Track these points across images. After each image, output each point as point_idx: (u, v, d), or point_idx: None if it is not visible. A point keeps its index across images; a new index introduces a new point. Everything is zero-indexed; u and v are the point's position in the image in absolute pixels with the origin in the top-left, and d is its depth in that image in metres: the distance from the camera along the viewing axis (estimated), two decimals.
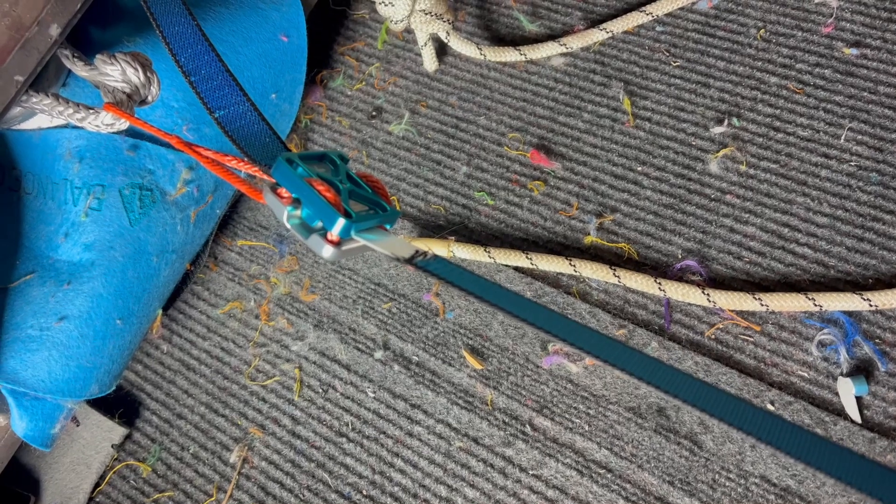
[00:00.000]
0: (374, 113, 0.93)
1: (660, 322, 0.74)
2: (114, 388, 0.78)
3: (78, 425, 0.83)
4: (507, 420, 0.74)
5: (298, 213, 0.53)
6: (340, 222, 0.51)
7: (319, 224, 0.53)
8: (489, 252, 0.79)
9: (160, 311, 0.83)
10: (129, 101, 0.63)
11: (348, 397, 0.79)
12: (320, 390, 0.80)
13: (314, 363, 0.82)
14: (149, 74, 0.64)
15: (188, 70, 0.60)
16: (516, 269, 0.79)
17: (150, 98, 0.66)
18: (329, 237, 0.52)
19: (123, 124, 0.64)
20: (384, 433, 0.77)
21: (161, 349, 0.88)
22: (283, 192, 0.53)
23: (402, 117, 0.91)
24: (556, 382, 0.74)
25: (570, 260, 0.77)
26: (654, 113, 0.83)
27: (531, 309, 0.48)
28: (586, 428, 0.72)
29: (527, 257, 0.78)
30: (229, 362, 0.85)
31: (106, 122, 0.62)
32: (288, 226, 0.54)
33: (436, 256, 0.50)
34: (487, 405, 0.75)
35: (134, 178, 0.74)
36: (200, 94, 0.58)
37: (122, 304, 0.73)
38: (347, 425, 0.78)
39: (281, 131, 0.88)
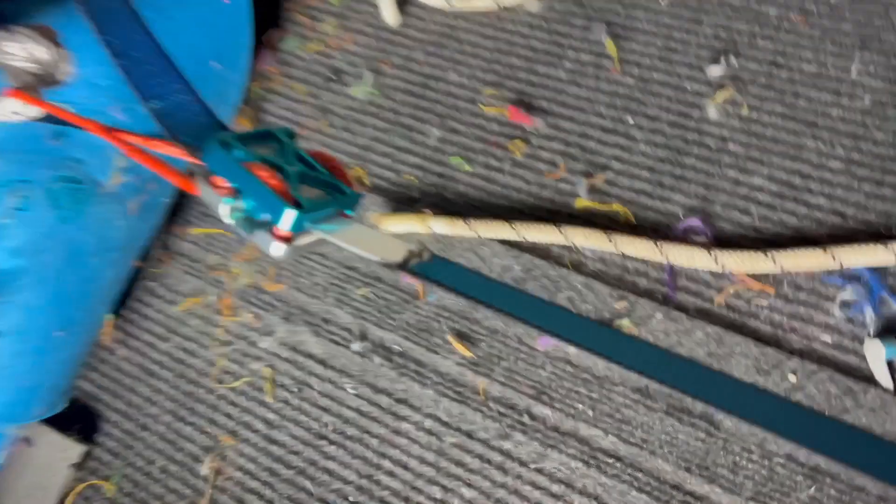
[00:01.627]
0: (332, 76, 0.84)
1: (663, 290, 0.67)
2: (65, 404, 0.70)
3: (30, 445, 0.76)
4: (502, 410, 0.67)
5: (240, 204, 0.45)
6: (289, 214, 0.43)
7: (267, 217, 0.45)
8: (470, 224, 0.71)
9: (110, 315, 0.75)
10: (37, 84, 0.54)
11: (326, 395, 0.72)
12: (295, 389, 0.73)
13: (286, 360, 0.74)
14: (58, 50, 0.55)
15: (117, 51, 0.51)
16: (502, 242, 0.71)
17: (63, 78, 0.57)
18: (277, 232, 0.44)
19: (36, 111, 0.55)
20: (368, 432, 0.70)
21: (117, 354, 0.80)
22: (220, 181, 0.45)
23: (364, 79, 0.82)
24: (554, 365, 0.67)
25: (561, 227, 0.69)
26: (643, 56, 0.74)
27: (561, 317, 0.41)
28: (590, 413, 0.65)
29: (512, 228, 0.70)
30: (193, 364, 0.77)
31: (12, 109, 0.53)
32: (228, 221, 0.45)
33: (433, 256, 0.42)
34: (480, 395, 0.68)
35: (61, 170, 0.64)
36: (133, 81, 0.49)
37: (60, 313, 0.65)
38: (327, 426, 0.71)
39: (229, 103, 0.79)
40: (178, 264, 0.81)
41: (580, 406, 0.65)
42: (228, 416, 0.74)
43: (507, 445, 0.66)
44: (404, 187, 0.76)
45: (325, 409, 0.71)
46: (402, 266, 0.42)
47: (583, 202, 0.71)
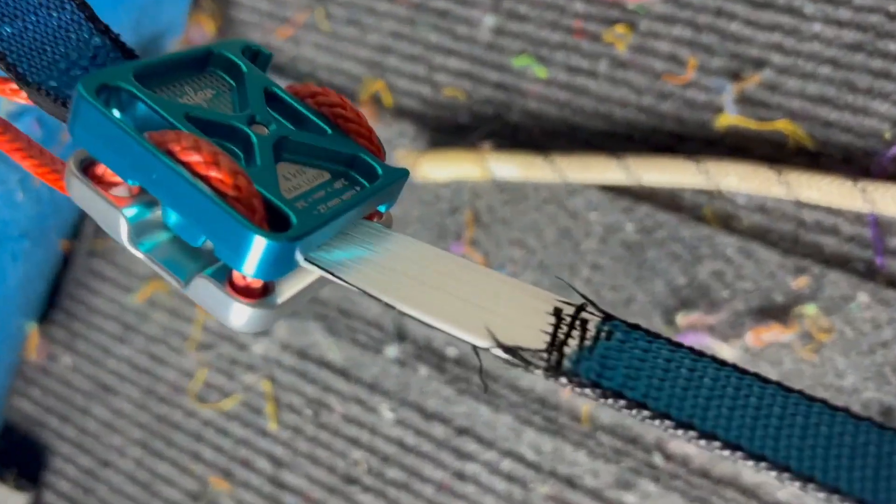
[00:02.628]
0: None
1: (865, 256, 0.43)
2: None
3: None
4: (619, 446, 0.45)
5: (156, 218, 0.21)
6: (258, 245, 0.19)
7: (208, 245, 0.21)
8: (553, 163, 0.47)
9: (33, 325, 0.52)
10: None
11: (353, 421, 0.50)
12: (308, 412, 0.51)
13: (292, 370, 0.52)
14: None
15: None
16: (602, 188, 0.47)
17: None
18: (238, 282, 0.21)
19: None
20: (418, 475, 0.48)
21: (61, 363, 0.58)
22: (109, 173, 0.21)
23: None
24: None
25: (697, 159, 0.44)
26: None
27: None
28: None
29: (620, 165, 0.46)
30: (164, 376, 0.55)
31: None
32: (135, 253, 0.21)
33: (608, 321, 0.19)
34: (583, 423, 0.46)
35: None
36: None
37: None
38: (358, 465, 0.50)
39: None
40: None
41: None
42: (218, 449, 0.53)
43: (629, 499, 0.44)
44: (446, 108, 0.51)
45: (353, 441, 0.50)
46: (551, 364, 0.17)
47: (728, 119, 0.46)
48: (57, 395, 0.57)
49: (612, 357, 0.18)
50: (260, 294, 0.20)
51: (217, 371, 0.53)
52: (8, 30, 0.24)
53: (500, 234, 0.48)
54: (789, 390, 0.18)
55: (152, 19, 0.50)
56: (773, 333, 0.43)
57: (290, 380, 0.51)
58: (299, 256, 0.20)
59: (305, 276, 0.21)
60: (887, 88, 0.44)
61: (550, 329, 0.18)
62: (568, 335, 0.18)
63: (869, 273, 0.42)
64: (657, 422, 0.17)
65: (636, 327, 0.18)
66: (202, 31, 0.57)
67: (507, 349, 0.18)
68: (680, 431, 0.17)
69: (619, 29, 0.48)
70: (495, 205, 0.49)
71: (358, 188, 0.22)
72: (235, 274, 0.20)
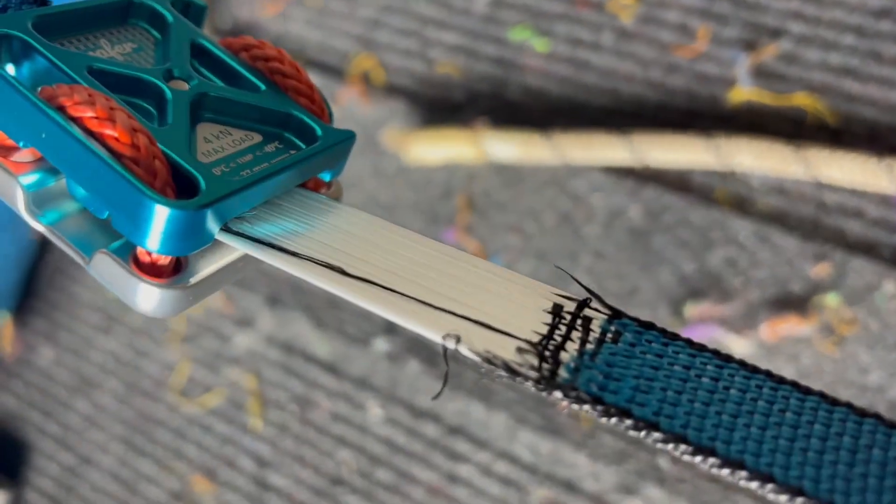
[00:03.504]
0: None
1: (892, 241, 0.39)
2: None
3: None
4: (621, 447, 0.41)
5: (56, 188, 0.19)
6: (160, 215, 0.16)
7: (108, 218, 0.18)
8: (553, 141, 0.43)
9: (6, 316, 0.50)
10: None
11: (341, 419, 0.47)
12: (294, 409, 0.48)
13: (277, 365, 0.49)
14: None
15: None
16: (605, 169, 0.44)
17: None
18: (142, 258, 0.18)
19: None
20: (408, 477, 0.45)
21: (42, 355, 0.55)
22: (4, 135, 0.18)
23: None
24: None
25: (710, 138, 0.41)
26: None
27: None
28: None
29: (623, 142, 0.42)
30: (146, 370, 0.52)
31: None
32: (38, 226, 0.18)
33: (618, 319, 0.15)
34: (582, 422, 0.42)
35: None
36: None
37: None
38: (345, 465, 0.47)
39: None
40: None
41: None
42: (200, 446, 0.50)
43: None
44: (440, 85, 0.48)
45: (340, 440, 0.47)
46: (543, 374, 0.13)
47: (743, 93, 0.42)
48: (37, 388, 0.55)
49: (619, 365, 0.14)
50: (170, 272, 0.17)
51: (201, 365, 0.51)
52: None
53: (495, 220, 0.45)
54: (835, 402, 0.14)
55: None
56: (790, 326, 0.39)
57: (275, 375, 0.49)
58: (214, 228, 0.17)
59: (227, 251, 0.19)
60: None
61: (545, 330, 0.15)
62: (566, 337, 0.15)
63: (895, 259, 0.39)
64: (671, 446, 0.14)
65: (650, 326, 0.15)
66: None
67: (483, 354, 0.15)
68: (698, 458, 0.14)
69: None
70: (491, 188, 0.46)
71: (293, 151, 0.19)
72: (140, 249, 0.17)
